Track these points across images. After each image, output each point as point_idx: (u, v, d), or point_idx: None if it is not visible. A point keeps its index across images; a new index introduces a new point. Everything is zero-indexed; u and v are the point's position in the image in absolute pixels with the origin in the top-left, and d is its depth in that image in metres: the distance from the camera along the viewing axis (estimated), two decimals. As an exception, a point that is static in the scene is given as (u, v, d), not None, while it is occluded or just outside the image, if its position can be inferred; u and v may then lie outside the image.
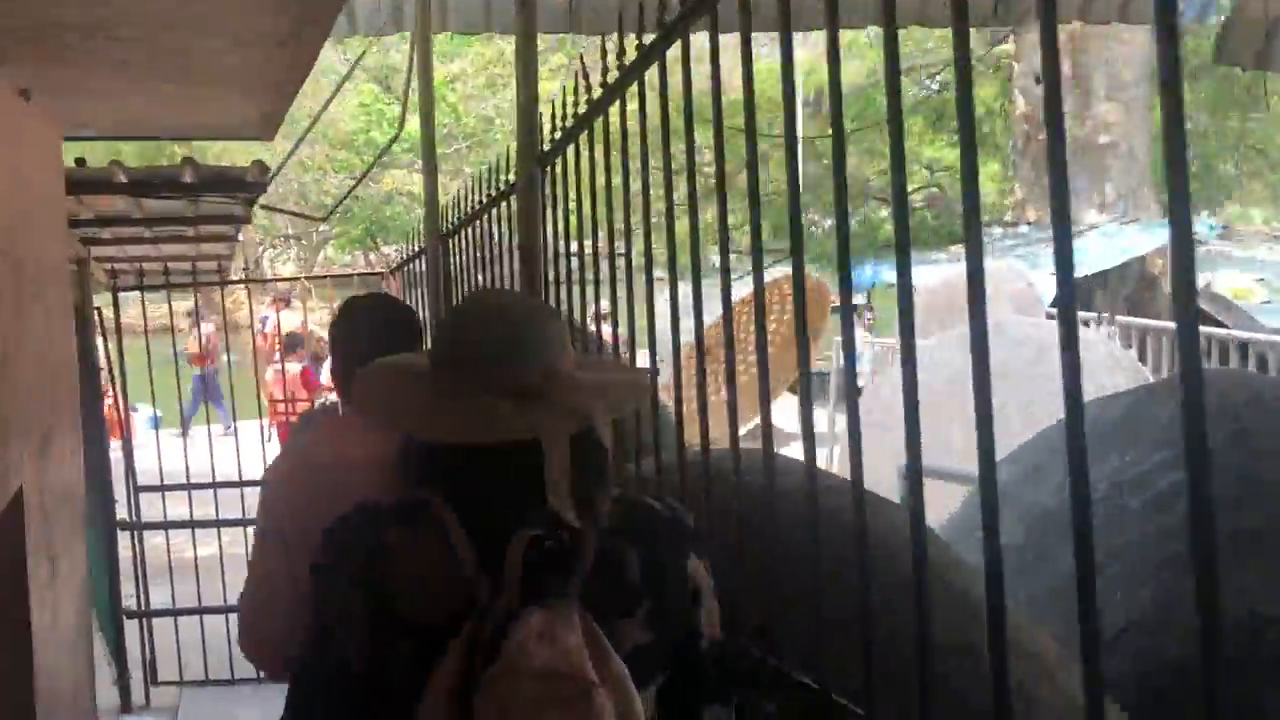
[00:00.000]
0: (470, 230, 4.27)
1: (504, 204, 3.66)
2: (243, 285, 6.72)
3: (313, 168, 25.33)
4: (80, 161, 4.30)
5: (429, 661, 1.29)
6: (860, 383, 11.39)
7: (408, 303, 6.15)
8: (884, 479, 4.66)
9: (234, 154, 13.80)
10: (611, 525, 1.41)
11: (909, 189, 18.69)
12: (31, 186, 3.16)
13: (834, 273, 1.65)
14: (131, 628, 6.19)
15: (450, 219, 4.90)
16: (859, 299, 16.55)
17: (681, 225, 2.12)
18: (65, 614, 3.20)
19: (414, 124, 23.22)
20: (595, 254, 2.58)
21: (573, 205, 2.65)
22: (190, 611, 6.20)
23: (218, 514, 6.45)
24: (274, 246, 29.26)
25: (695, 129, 2.08)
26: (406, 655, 1.32)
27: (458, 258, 4.63)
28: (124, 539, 6.35)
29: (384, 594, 1.34)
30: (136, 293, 6.68)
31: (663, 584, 1.42)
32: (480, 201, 4.03)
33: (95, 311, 6.59)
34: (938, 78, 18.06)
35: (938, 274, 15.97)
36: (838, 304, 1.59)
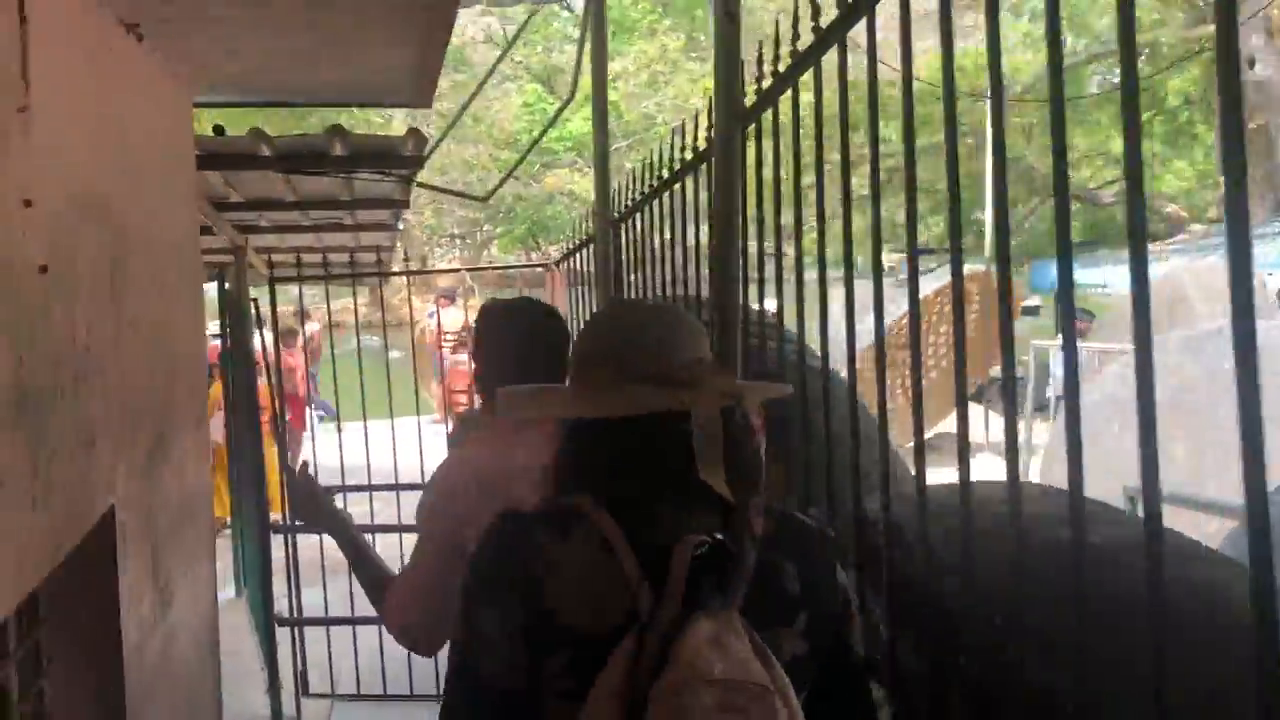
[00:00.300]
0: (647, 211, 3.68)
1: (687, 179, 3.14)
2: (403, 277, 6.23)
3: (477, 167, 25.36)
4: (219, 130, 3.82)
5: (587, 672, 1.25)
6: (1057, 393, 10.49)
7: (572, 298, 5.60)
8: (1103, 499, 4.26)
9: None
10: (766, 536, 1.38)
11: (1100, 183, 17.36)
12: (147, 147, 2.66)
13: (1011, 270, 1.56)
14: (283, 635, 5.79)
15: (623, 201, 4.30)
16: (1033, 299, 15.36)
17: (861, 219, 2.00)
18: (181, 649, 2.69)
19: (575, 125, 23.00)
20: (798, 226, 2.35)
21: (782, 169, 2.34)
22: (343, 621, 5.79)
23: (372, 518, 6.02)
24: (440, 246, 29.46)
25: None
26: (564, 666, 1.29)
27: (630, 245, 4.06)
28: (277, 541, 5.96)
29: (543, 608, 1.31)
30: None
31: (818, 596, 1.41)
32: (660, 177, 3.44)
33: (252, 303, 6.24)
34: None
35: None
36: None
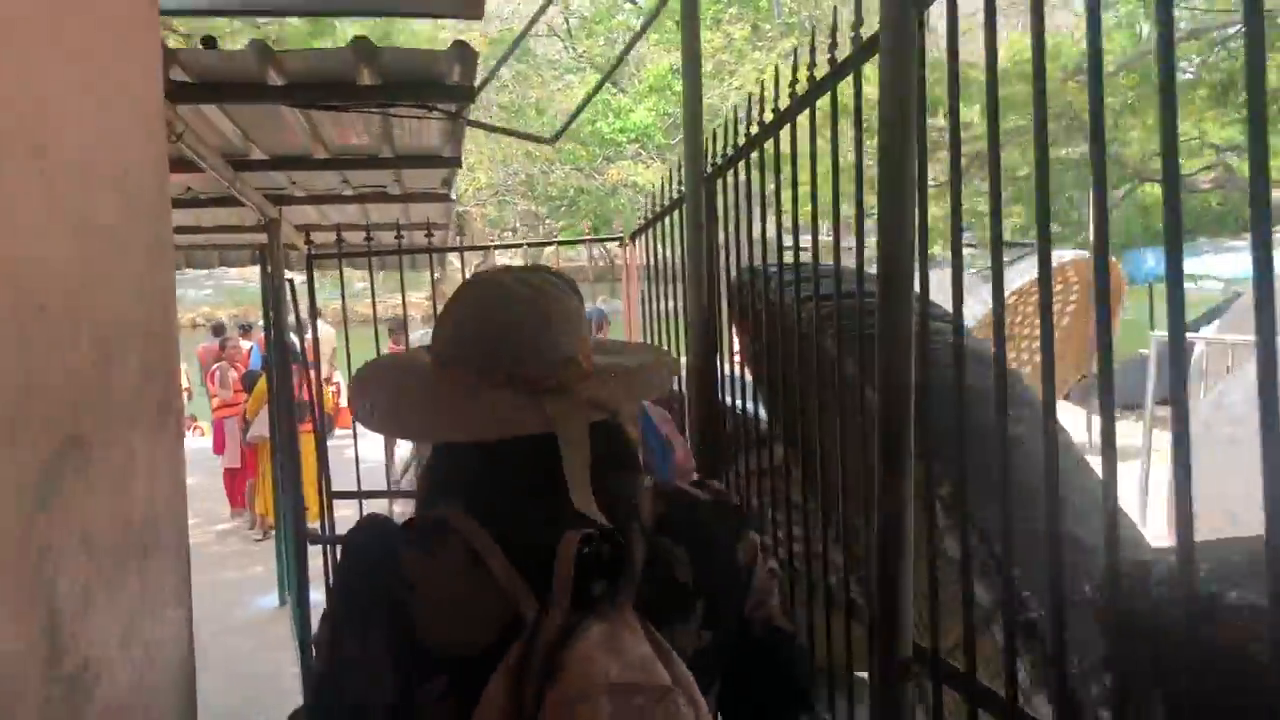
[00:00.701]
0: (758, 157, 2.81)
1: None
2: (456, 254, 5.39)
3: (539, 159, 24.67)
4: (209, 43, 2.96)
5: (469, 695, 1.11)
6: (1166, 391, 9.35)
7: (650, 272, 4.72)
8: (1240, 509, 4.10)
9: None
10: (656, 522, 1.25)
11: (1195, 169, 16.06)
12: (81, 56, 1.82)
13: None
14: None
15: (723, 148, 3.44)
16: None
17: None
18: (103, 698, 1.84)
19: (638, 116, 22.03)
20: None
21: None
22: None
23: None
24: (500, 237, 28.77)
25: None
26: (442, 691, 1.14)
27: (734, 201, 3.19)
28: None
29: (412, 630, 1.15)
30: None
31: (715, 580, 1.27)
32: (795, 94, 2.57)
33: (288, 284, 5.45)
34: (1231, 44, 15.34)
35: (1238, 262, 13.61)
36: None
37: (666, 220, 4.33)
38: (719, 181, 3.60)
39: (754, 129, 3.00)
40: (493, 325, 1.26)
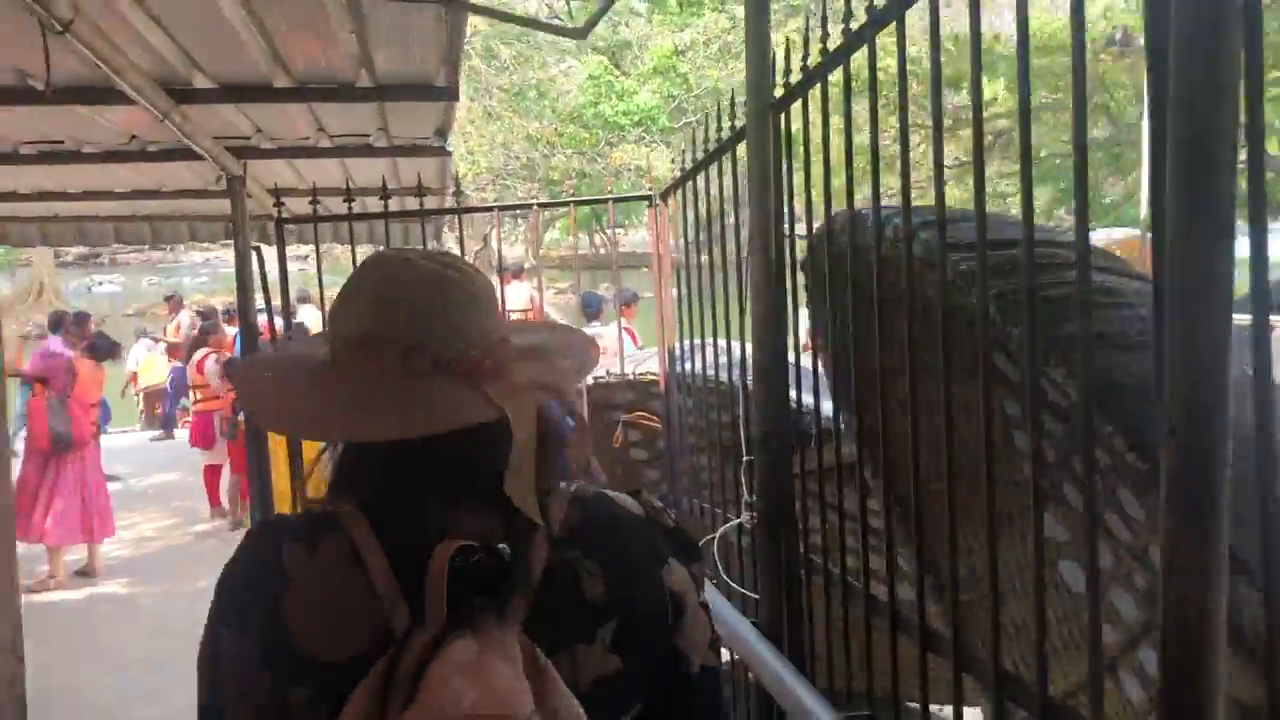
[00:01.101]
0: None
1: None
2: (450, 216, 4.52)
3: (540, 141, 23.75)
4: None
5: (332, 707, 1.01)
6: None
7: (689, 237, 3.85)
8: None
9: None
10: (568, 530, 1.13)
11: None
12: None
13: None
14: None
15: (800, 64, 2.59)
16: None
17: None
18: None
19: (642, 98, 21.06)
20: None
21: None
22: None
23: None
24: (498, 226, 27.85)
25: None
26: (308, 698, 1.03)
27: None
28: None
29: (284, 630, 1.05)
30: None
31: (632, 599, 1.13)
32: None
33: (254, 251, 4.59)
34: None
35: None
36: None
37: (712, 169, 3.46)
38: (794, 107, 2.73)
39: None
40: (414, 305, 1.11)
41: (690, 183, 3.67)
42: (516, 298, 13.30)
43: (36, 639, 6.75)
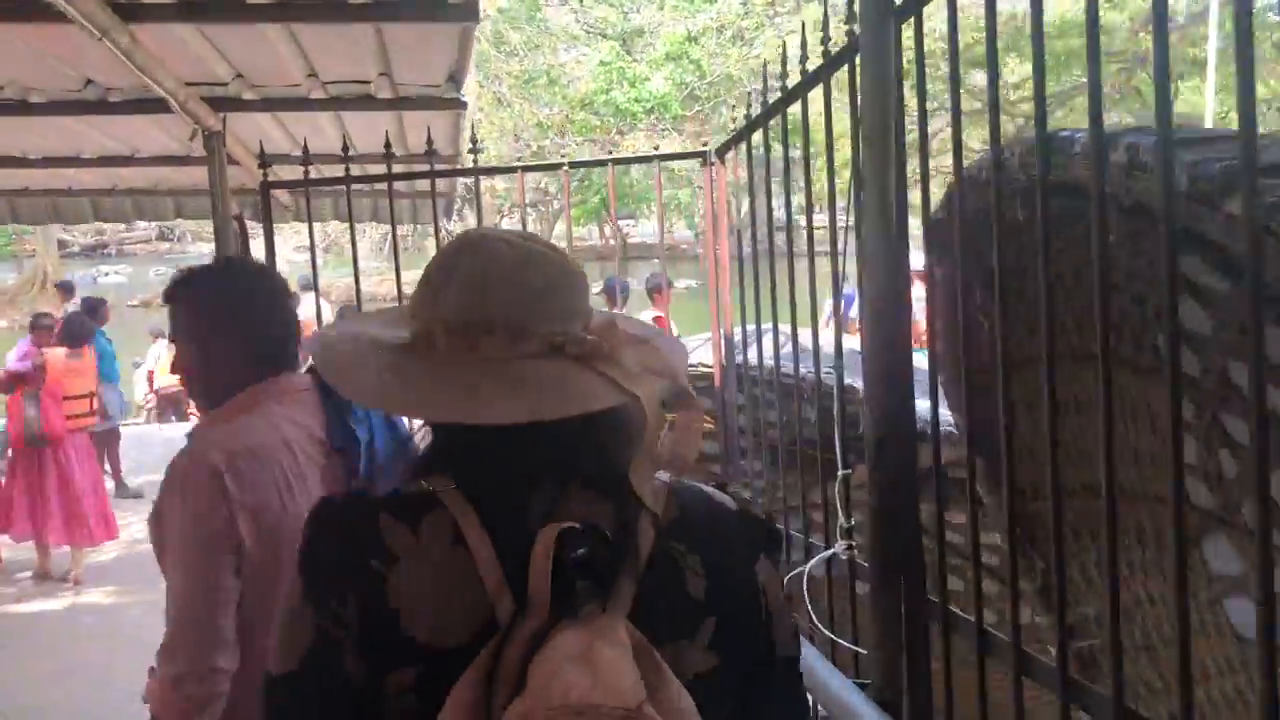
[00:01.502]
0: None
1: None
2: (464, 196, 3.79)
3: (551, 129, 23.01)
4: None
5: (435, 693, 0.97)
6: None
7: (754, 212, 3.13)
8: None
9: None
10: (669, 522, 1.08)
11: None
12: None
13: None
14: None
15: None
16: None
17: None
18: None
19: (655, 85, 20.50)
20: None
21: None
22: None
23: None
24: (509, 216, 27.12)
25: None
26: (409, 683, 1.00)
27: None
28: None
29: (385, 611, 1.01)
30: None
31: (730, 598, 1.10)
32: None
33: (237, 222, 3.88)
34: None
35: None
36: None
37: (790, 113, 2.73)
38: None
39: None
40: (520, 286, 1.07)
41: (761, 129, 2.92)
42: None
43: (11, 653, 6.22)
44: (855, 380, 3.32)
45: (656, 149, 22.28)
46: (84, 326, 7.81)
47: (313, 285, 11.97)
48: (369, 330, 1.16)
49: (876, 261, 2.14)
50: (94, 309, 9.81)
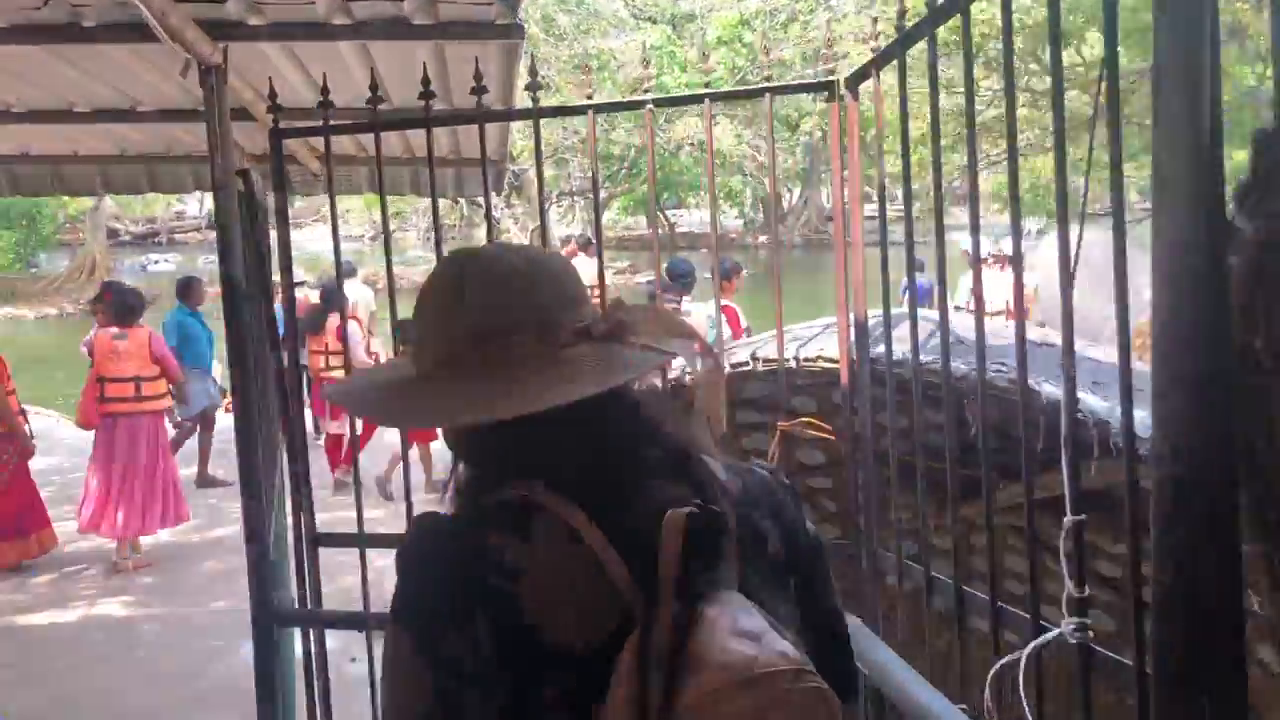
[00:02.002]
0: None
1: None
2: (524, 121, 2.99)
3: (599, 116, 22.16)
4: None
5: (585, 698, 0.97)
6: None
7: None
8: None
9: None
10: (737, 492, 1.12)
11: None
12: None
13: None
14: None
15: None
16: None
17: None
18: None
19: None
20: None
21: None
22: None
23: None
24: (556, 205, 26.36)
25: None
26: (558, 695, 0.98)
27: None
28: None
29: (521, 625, 0.99)
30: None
31: (799, 554, 1.15)
32: None
33: (243, 177, 3.11)
34: None
35: None
36: None
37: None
38: None
39: None
40: (531, 286, 1.09)
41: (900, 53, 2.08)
42: (582, 274, 11.77)
43: (20, 672, 5.54)
44: (1041, 380, 2.47)
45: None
46: (128, 304, 7.05)
47: (354, 271, 11.16)
48: (379, 377, 1.20)
49: (1178, 233, 1.33)
50: (186, 288, 9.06)
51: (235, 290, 3.02)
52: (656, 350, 1.07)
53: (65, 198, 26.10)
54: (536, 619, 0.98)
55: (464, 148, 5.08)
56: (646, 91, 3.03)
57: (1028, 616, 1.90)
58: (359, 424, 3.97)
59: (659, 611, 0.95)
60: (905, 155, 2.31)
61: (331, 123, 2.92)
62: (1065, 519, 1.76)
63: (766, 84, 2.89)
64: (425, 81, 2.83)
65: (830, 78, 2.70)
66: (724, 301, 7.14)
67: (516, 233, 23.66)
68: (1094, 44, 13.28)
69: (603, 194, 25.91)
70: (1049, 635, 1.77)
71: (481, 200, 3.74)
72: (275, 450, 3.37)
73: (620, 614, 0.99)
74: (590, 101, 2.95)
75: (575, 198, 26.11)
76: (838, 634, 1.19)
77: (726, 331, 6.91)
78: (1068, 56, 13.50)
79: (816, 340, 2.78)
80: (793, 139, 25.91)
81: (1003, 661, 1.79)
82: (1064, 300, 1.79)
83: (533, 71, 2.87)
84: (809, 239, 29.36)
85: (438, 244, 2.90)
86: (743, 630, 0.95)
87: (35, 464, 7.11)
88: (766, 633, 0.96)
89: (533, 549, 1.00)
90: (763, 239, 29.73)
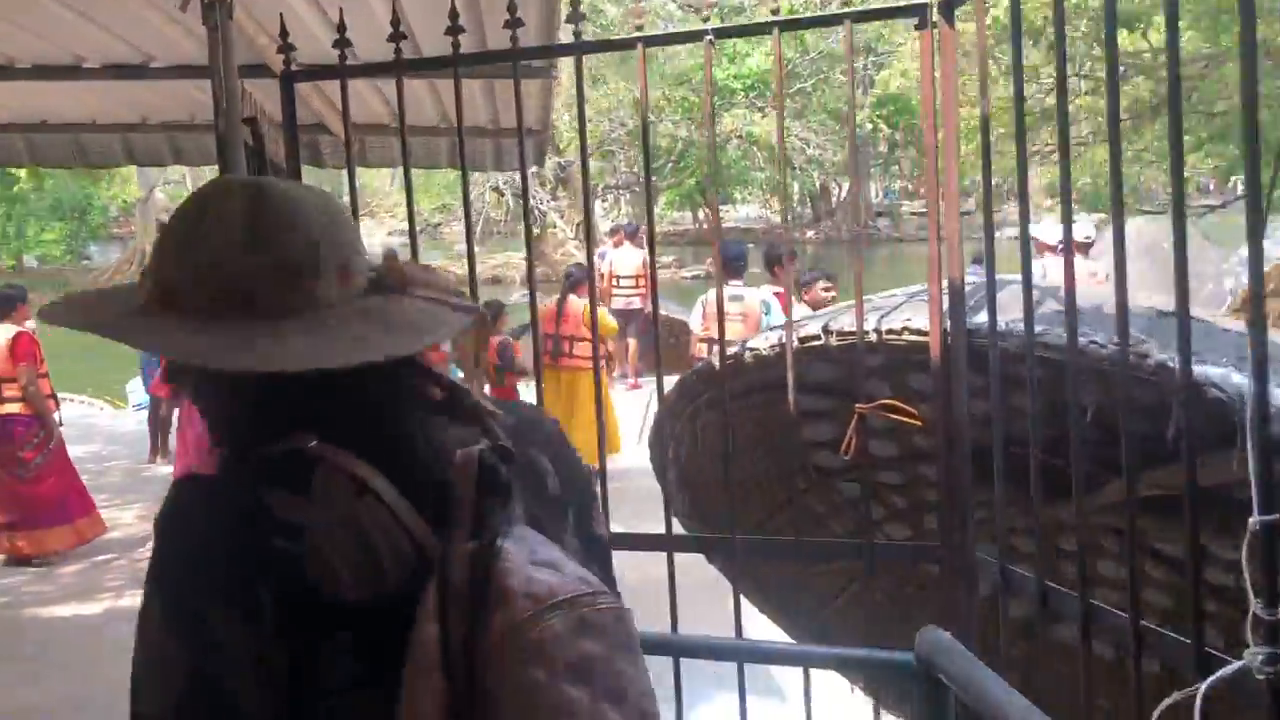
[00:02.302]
0: None
1: None
2: (569, 58, 2.62)
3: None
4: None
5: (380, 649, 0.94)
6: None
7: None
8: None
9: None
10: (513, 431, 1.08)
11: None
12: None
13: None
14: None
15: None
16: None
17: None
18: None
19: (755, 61, 19.39)
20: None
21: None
22: None
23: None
24: (601, 199, 25.99)
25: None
26: (345, 648, 0.95)
27: None
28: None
29: (304, 584, 0.93)
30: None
31: (575, 489, 1.15)
32: None
33: (249, 124, 2.79)
34: None
35: None
36: None
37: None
38: None
39: None
40: (334, 220, 1.02)
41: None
42: (627, 264, 11.38)
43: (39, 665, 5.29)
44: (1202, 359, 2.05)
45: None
46: None
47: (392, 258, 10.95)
48: (119, 304, 1.04)
49: None
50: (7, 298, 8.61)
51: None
52: (449, 304, 1.04)
53: (114, 189, 26.23)
54: (322, 579, 0.93)
55: (503, 117, 4.73)
56: (694, 88, 2.64)
57: (1183, 641, 1.49)
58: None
59: (455, 549, 0.94)
60: (1018, 98, 1.91)
61: (349, 68, 2.57)
62: (1252, 519, 1.35)
63: (848, 9, 2.48)
64: (454, 14, 2.47)
65: (922, 1, 2.29)
66: (775, 288, 6.75)
67: (562, 225, 23.33)
68: (1161, 28, 12.67)
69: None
70: (1230, 669, 1.36)
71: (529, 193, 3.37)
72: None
73: (415, 560, 0.96)
74: (640, 34, 2.56)
75: (621, 191, 25.71)
76: (606, 560, 1.18)
77: (781, 318, 6.50)
78: (1133, 42, 12.91)
79: (900, 312, 2.39)
80: (842, 131, 25.39)
81: (1169, 702, 1.38)
82: (1252, 267, 1.38)
83: (574, 1, 2.50)
84: (856, 234, 28.81)
85: (467, 216, 2.55)
86: (541, 560, 0.95)
87: (74, 451, 6.92)
88: (564, 562, 0.97)
89: (314, 505, 0.95)
90: (810, 234, 29.17)
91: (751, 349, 2.81)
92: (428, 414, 1.04)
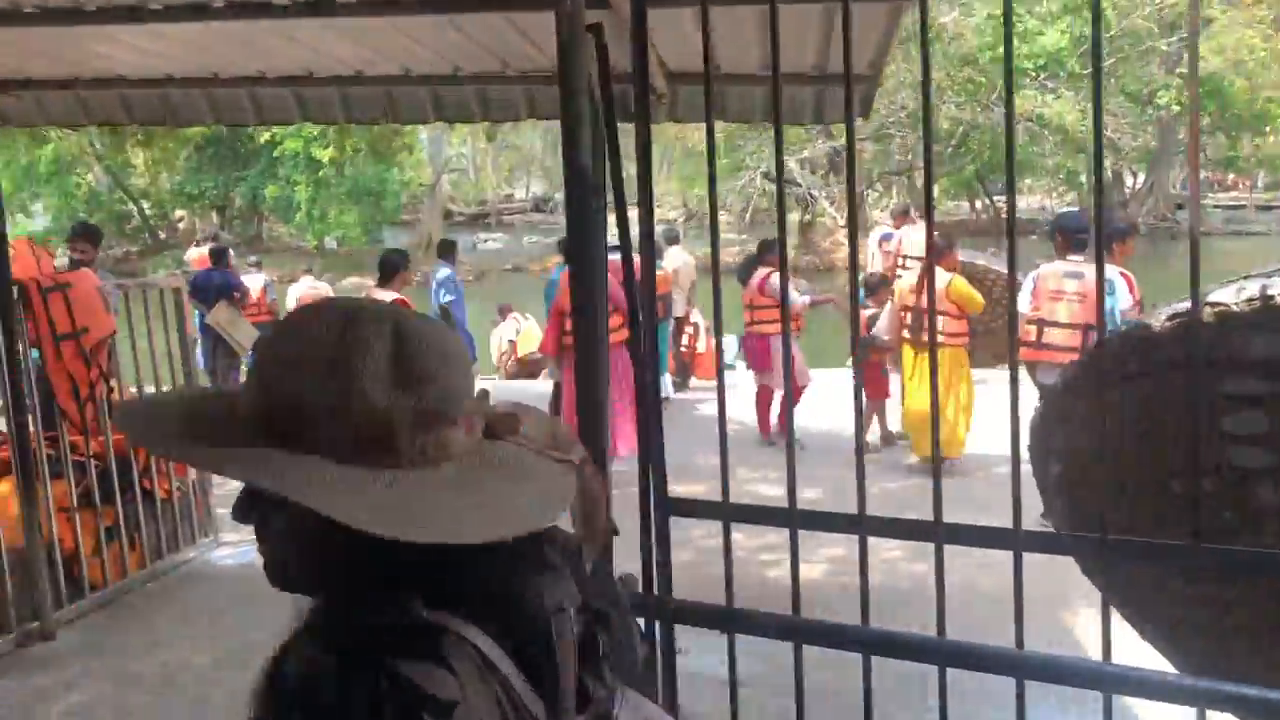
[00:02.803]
0: None
1: None
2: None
3: (933, 89, 20.66)
4: None
5: None
6: None
7: None
8: None
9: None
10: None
11: None
12: None
13: None
14: None
15: None
16: None
17: None
18: None
19: (1049, 38, 17.84)
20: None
21: None
22: None
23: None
24: (874, 189, 24.93)
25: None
26: None
27: None
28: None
29: None
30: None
31: (628, 633, 1.09)
32: None
33: (593, 31, 2.38)
34: None
35: None
36: None
37: None
38: None
39: None
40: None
41: None
42: (917, 244, 10.61)
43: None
44: None
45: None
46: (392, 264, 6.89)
47: (677, 238, 10.57)
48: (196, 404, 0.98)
49: None
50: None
51: (583, 184, 2.29)
52: (575, 467, 1.01)
53: (409, 173, 27.60)
54: None
55: (832, 59, 4.18)
56: (981, 68, 1.99)
57: None
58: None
59: None
60: None
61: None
62: None
63: None
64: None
65: None
66: (1118, 268, 5.86)
67: (832, 213, 22.54)
68: None
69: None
70: None
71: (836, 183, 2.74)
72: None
73: None
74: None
75: (897, 177, 24.56)
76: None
77: (1127, 300, 5.64)
78: None
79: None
80: (1142, 115, 23.13)
81: None
82: None
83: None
84: (1154, 227, 26.31)
85: (779, 167, 2.03)
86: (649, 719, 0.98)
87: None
88: (664, 716, 1.00)
89: (457, 679, 0.87)
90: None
91: (1216, 302, 2.14)
92: (538, 568, 0.97)
